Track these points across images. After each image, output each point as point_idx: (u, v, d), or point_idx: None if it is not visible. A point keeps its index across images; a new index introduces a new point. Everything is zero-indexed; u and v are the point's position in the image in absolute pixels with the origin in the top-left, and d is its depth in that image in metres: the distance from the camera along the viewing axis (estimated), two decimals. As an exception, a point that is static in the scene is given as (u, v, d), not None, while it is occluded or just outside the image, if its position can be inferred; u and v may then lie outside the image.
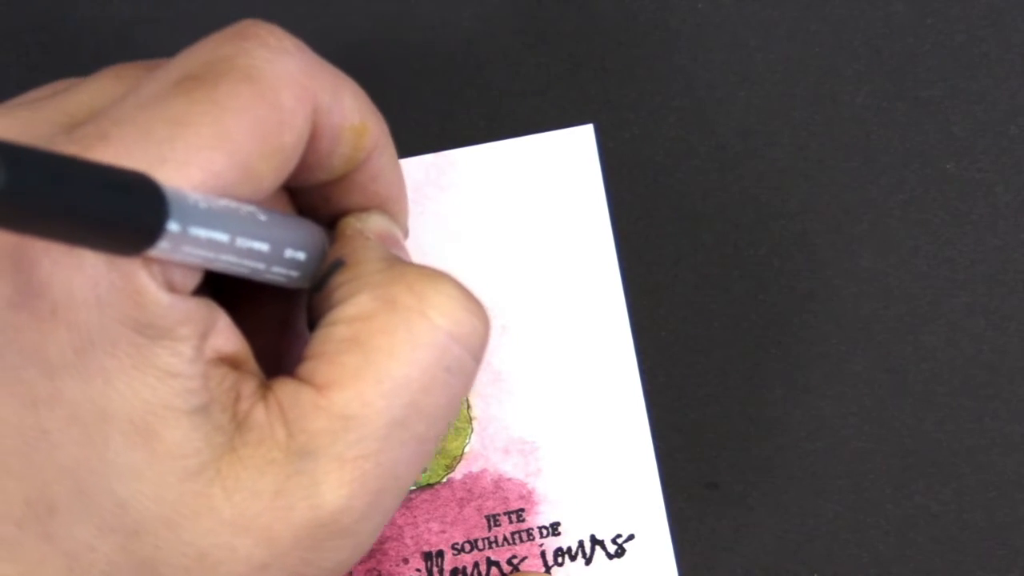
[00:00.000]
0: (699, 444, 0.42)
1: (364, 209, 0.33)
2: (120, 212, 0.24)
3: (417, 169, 0.41)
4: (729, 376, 0.42)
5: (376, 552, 0.41)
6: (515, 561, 0.41)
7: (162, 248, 0.25)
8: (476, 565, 0.41)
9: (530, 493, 0.41)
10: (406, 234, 0.34)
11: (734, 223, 0.42)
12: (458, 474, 0.41)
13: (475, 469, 0.41)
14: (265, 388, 0.29)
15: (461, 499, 0.41)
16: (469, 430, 0.41)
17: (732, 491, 0.42)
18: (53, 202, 0.22)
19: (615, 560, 0.41)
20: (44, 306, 0.27)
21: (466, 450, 0.41)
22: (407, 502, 0.41)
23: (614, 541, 0.41)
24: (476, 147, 0.41)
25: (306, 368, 0.29)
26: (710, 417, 0.42)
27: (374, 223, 0.32)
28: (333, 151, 0.31)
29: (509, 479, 0.41)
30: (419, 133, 0.42)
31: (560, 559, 0.41)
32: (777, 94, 0.42)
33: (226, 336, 0.29)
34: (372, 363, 0.29)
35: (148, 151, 0.27)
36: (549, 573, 0.41)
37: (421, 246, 0.41)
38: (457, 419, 0.41)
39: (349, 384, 0.28)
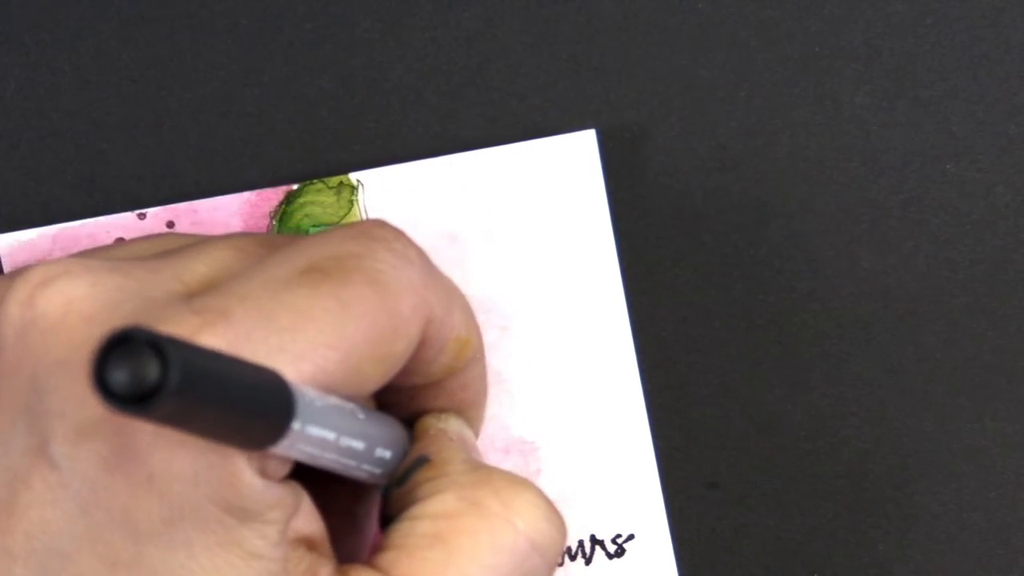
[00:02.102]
0: (699, 444, 0.42)
1: (443, 411, 0.33)
2: (252, 409, 0.24)
3: (418, 174, 0.41)
4: (729, 376, 0.42)
5: (376, 552, 0.41)
6: (515, 561, 0.41)
7: (282, 445, 0.26)
8: (476, 565, 0.41)
9: (530, 493, 0.41)
10: (477, 438, 0.35)
11: (734, 223, 0.42)
12: (458, 474, 0.41)
13: (475, 469, 0.41)
14: (341, 573, 0.29)
15: (461, 499, 0.41)
16: (469, 430, 0.41)
17: (732, 491, 0.42)
18: (203, 400, 0.22)
19: (615, 560, 0.41)
20: (141, 472, 0.27)
21: (466, 450, 0.41)
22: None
23: (614, 541, 0.41)
24: (477, 152, 0.41)
25: (385, 558, 0.30)
26: (710, 417, 0.42)
27: (454, 425, 0.33)
28: (436, 359, 0.31)
29: (509, 479, 0.41)
30: (419, 133, 0.42)
31: (560, 559, 0.41)
32: (777, 94, 0.42)
33: (307, 518, 0.29)
34: (454, 562, 0.29)
35: (269, 338, 0.27)
36: (549, 573, 0.41)
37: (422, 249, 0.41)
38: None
39: None
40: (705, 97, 0.42)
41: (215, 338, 0.27)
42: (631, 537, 0.41)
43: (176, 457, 0.27)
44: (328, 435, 0.27)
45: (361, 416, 0.29)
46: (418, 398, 0.33)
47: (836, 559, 0.42)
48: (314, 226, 0.41)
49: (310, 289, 0.28)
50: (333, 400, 0.28)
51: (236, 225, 0.41)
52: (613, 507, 0.41)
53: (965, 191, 0.42)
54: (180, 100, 0.42)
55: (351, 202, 0.41)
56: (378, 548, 0.30)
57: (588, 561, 0.41)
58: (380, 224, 0.31)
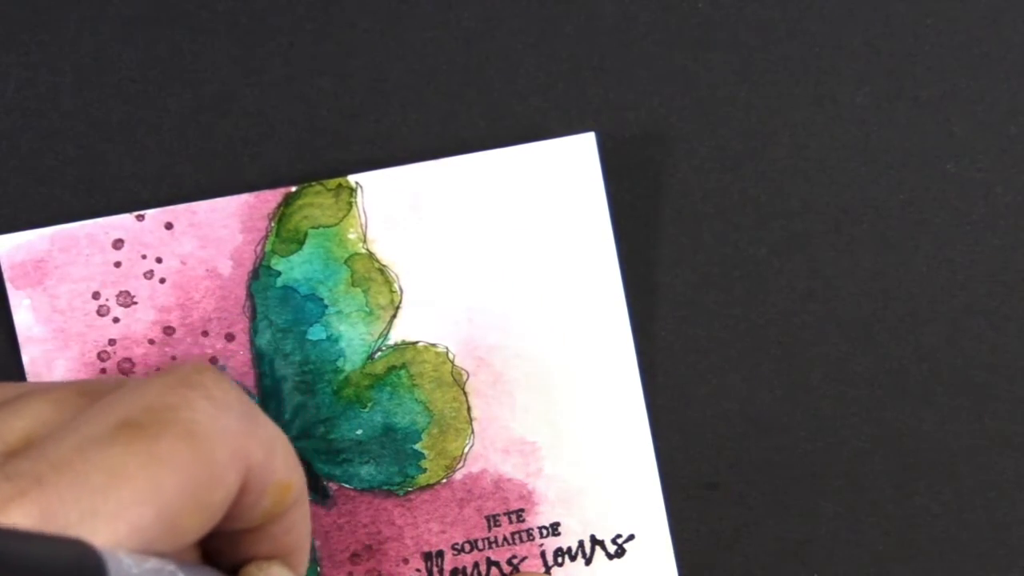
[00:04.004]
0: (699, 444, 0.42)
1: (267, 558, 0.33)
2: None
3: (417, 176, 0.41)
4: (729, 376, 0.42)
5: (376, 552, 0.41)
6: (515, 561, 0.41)
7: None
8: (476, 565, 0.41)
9: (530, 493, 0.41)
10: None
11: (734, 223, 0.42)
12: (458, 474, 0.41)
13: (475, 469, 0.41)
14: None
15: (461, 499, 0.41)
16: (469, 431, 0.41)
17: (732, 491, 0.42)
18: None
19: (615, 560, 0.41)
20: None
21: (466, 451, 0.41)
22: (407, 502, 0.41)
23: (614, 541, 0.41)
24: (476, 154, 0.41)
25: None
26: (710, 417, 0.42)
27: (275, 572, 0.33)
28: (257, 504, 0.31)
29: (509, 479, 0.41)
30: (419, 133, 0.42)
31: (560, 559, 0.41)
32: (777, 94, 0.42)
33: None
34: None
35: (81, 500, 0.26)
36: (549, 573, 0.41)
37: (422, 252, 0.41)
38: (457, 420, 0.41)
39: None
40: (705, 97, 0.42)
41: (29, 505, 0.26)
42: (631, 537, 0.41)
43: None
44: None
45: (181, 575, 0.29)
46: (242, 544, 0.33)
47: (836, 559, 0.42)
48: (313, 227, 0.41)
49: (123, 446, 0.28)
50: (150, 564, 0.27)
51: (235, 227, 0.41)
52: (613, 507, 0.41)
53: (965, 191, 0.42)
54: (180, 100, 0.42)
55: (350, 204, 0.41)
56: None
57: (588, 561, 0.41)
58: (199, 370, 0.30)
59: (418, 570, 0.41)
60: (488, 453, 0.41)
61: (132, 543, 0.27)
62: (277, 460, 0.31)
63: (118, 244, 0.41)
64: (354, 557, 0.41)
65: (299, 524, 0.33)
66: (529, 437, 0.41)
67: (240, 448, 0.29)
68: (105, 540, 0.26)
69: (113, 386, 0.31)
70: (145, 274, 0.41)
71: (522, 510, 0.41)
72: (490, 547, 0.41)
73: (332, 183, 0.41)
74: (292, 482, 0.32)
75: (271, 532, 0.32)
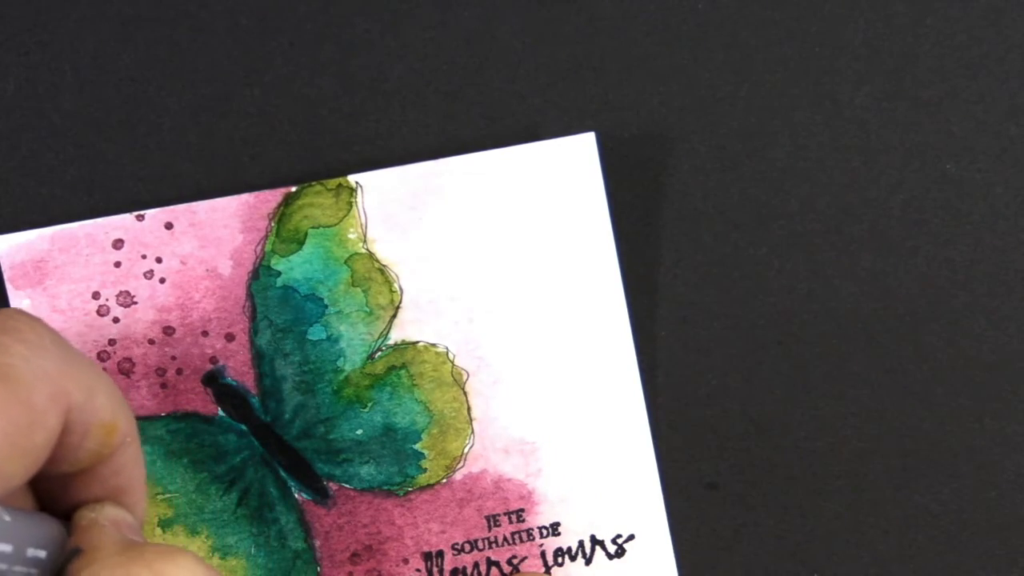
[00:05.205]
0: (699, 444, 0.42)
1: (99, 500, 0.33)
2: None
3: (417, 176, 0.41)
4: (729, 376, 0.42)
5: (376, 552, 0.41)
6: (515, 561, 0.41)
7: None
8: (476, 565, 0.41)
9: (530, 493, 0.41)
10: (141, 525, 0.35)
11: (734, 223, 0.42)
12: (458, 474, 0.41)
13: (475, 469, 0.41)
14: None
15: (461, 499, 0.41)
16: (469, 431, 0.41)
17: (732, 491, 0.42)
18: None
19: (615, 560, 0.41)
20: None
21: (466, 451, 0.41)
22: (407, 502, 0.41)
23: (614, 541, 0.41)
24: (477, 154, 0.41)
25: None
26: (710, 417, 0.42)
27: (108, 512, 0.33)
28: (81, 446, 0.31)
29: (509, 479, 0.41)
30: (419, 133, 0.42)
31: (560, 559, 0.41)
32: (777, 94, 0.42)
33: None
34: None
35: None
36: (549, 573, 0.41)
37: (422, 252, 0.41)
38: (457, 420, 0.41)
39: None
40: (705, 97, 0.42)
41: None
42: (631, 537, 0.41)
43: None
44: None
45: (7, 518, 0.29)
46: (73, 487, 0.33)
47: (836, 559, 0.42)
48: (313, 227, 0.41)
49: None
50: None
51: (235, 227, 0.41)
52: (613, 507, 0.41)
53: (965, 191, 0.42)
54: (180, 100, 0.42)
55: (350, 204, 0.41)
56: None
57: (588, 561, 0.41)
58: (12, 315, 0.30)
59: (418, 570, 0.41)
60: (488, 453, 0.41)
61: None
62: (99, 400, 0.31)
63: (118, 244, 0.41)
64: (354, 557, 0.41)
65: (129, 465, 0.33)
66: (529, 437, 0.41)
67: (58, 389, 0.29)
68: None
69: None
70: (145, 274, 0.41)
71: (522, 510, 0.41)
72: (490, 547, 0.41)
73: (332, 183, 0.41)
74: (117, 422, 0.32)
75: (101, 474, 0.33)
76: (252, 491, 0.41)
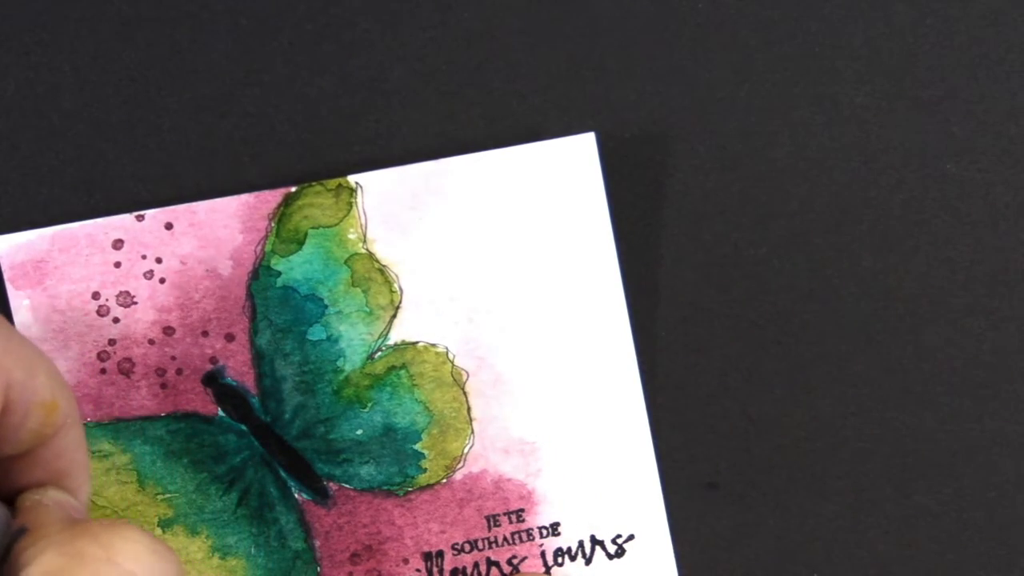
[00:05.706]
0: (699, 444, 0.42)
1: (42, 484, 0.33)
2: None
3: (417, 177, 0.41)
4: (729, 376, 0.42)
5: (376, 552, 0.41)
6: (515, 561, 0.41)
7: None
8: (476, 565, 0.41)
9: (530, 493, 0.41)
10: (87, 508, 0.35)
11: (734, 223, 0.42)
12: (458, 474, 0.41)
13: (475, 469, 0.41)
14: None
15: (461, 499, 0.41)
16: (469, 431, 0.41)
17: (732, 491, 0.42)
18: None
19: (615, 560, 0.41)
20: None
21: (466, 451, 0.41)
22: (407, 502, 0.41)
23: (614, 541, 0.41)
24: (477, 155, 0.41)
25: None
26: (710, 417, 0.42)
27: (51, 494, 0.33)
28: (22, 426, 0.31)
29: (509, 479, 0.41)
30: (419, 133, 0.42)
31: (560, 559, 0.41)
32: (777, 94, 0.42)
33: None
34: None
35: None
36: (549, 573, 0.41)
37: (422, 252, 0.41)
38: (457, 420, 0.41)
39: None
40: (705, 97, 0.42)
41: None
42: (631, 537, 0.41)
43: None
44: None
45: None
46: (14, 471, 0.33)
47: (836, 559, 0.42)
48: (313, 228, 0.41)
49: None
50: None
51: (235, 227, 0.41)
52: (613, 507, 0.41)
53: (965, 191, 0.42)
54: (180, 100, 0.42)
55: (350, 204, 0.41)
56: None
57: (588, 561, 0.41)
58: None
59: (418, 570, 0.41)
60: (488, 453, 0.41)
61: None
62: (39, 379, 0.31)
63: (118, 244, 0.41)
64: (354, 557, 0.41)
65: (71, 448, 0.33)
66: (529, 437, 0.41)
67: None
68: None
69: None
70: (145, 274, 0.41)
71: (522, 510, 0.41)
72: (490, 547, 0.41)
73: (332, 183, 0.41)
74: (57, 402, 0.32)
75: (43, 457, 0.33)
76: (252, 491, 0.41)
